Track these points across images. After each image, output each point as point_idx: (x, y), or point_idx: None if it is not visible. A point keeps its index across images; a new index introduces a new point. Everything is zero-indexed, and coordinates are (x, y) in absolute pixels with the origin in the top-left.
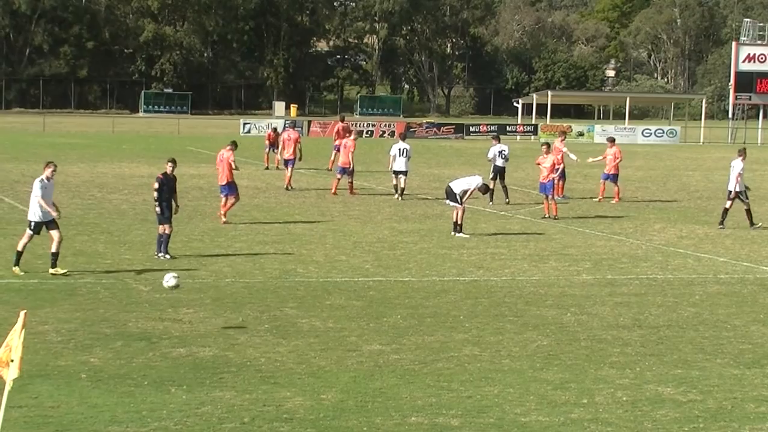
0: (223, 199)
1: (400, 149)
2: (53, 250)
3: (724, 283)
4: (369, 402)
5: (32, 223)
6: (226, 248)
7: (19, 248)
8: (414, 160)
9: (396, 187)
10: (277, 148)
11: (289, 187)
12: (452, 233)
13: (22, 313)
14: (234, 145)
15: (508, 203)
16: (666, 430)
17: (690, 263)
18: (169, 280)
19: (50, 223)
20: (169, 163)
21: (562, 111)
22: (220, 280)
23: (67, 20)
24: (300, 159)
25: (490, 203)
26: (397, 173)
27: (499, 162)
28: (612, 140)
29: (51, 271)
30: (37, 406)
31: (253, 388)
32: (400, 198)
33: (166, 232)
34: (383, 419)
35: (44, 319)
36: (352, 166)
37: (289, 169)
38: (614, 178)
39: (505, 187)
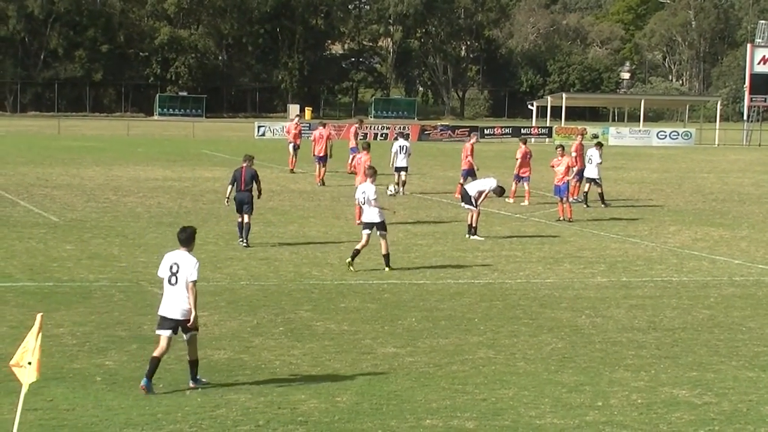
0: None
1: (400, 146)
2: (383, 252)
3: (739, 286)
4: (384, 405)
5: (378, 224)
6: (240, 251)
7: (387, 251)
8: (429, 163)
9: (397, 185)
10: (298, 148)
11: (320, 184)
12: (467, 236)
13: (38, 316)
14: (368, 147)
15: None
16: None
17: (705, 266)
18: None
19: (380, 226)
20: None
21: (576, 113)
22: (235, 283)
23: (81, 24)
24: (330, 156)
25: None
26: (398, 169)
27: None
28: (524, 141)
29: (386, 270)
30: (52, 409)
31: (268, 390)
32: (402, 193)
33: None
34: (398, 422)
35: (59, 322)
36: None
37: (318, 166)
38: (525, 178)
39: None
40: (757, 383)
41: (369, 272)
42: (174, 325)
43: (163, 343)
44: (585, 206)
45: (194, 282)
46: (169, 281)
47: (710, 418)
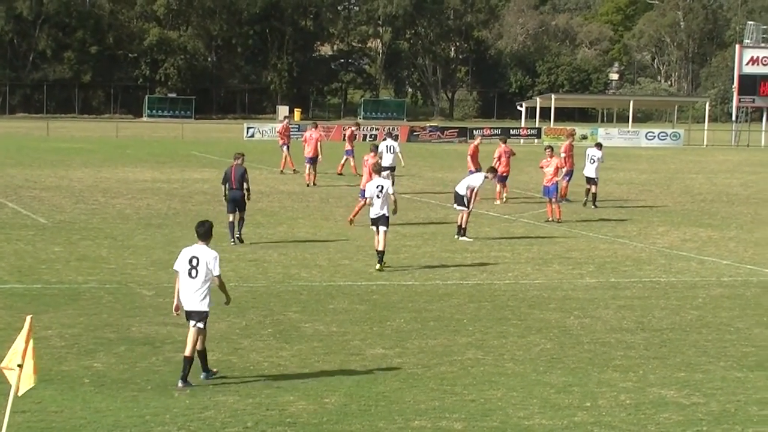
0: (362, 202)
1: (387, 146)
2: (380, 248)
3: (727, 286)
4: (372, 406)
5: (383, 218)
6: (229, 252)
7: (384, 248)
8: (417, 164)
9: None
10: (289, 147)
11: (311, 184)
12: (456, 236)
13: (27, 318)
14: (376, 149)
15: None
16: None
17: (693, 266)
18: None
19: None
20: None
21: (565, 114)
22: None
23: (70, 25)
24: (319, 158)
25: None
26: (384, 169)
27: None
28: (504, 140)
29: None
30: (40, 411)
31: (257, 392)
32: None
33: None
34: (386, 423)
35: (48, 324)
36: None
37: (309, 167)
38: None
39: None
40: (745, 383)
41: (357, 274)
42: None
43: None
44: (584, 206)
45: (218, 276)
46: (189, 274)
47: (698, 418)
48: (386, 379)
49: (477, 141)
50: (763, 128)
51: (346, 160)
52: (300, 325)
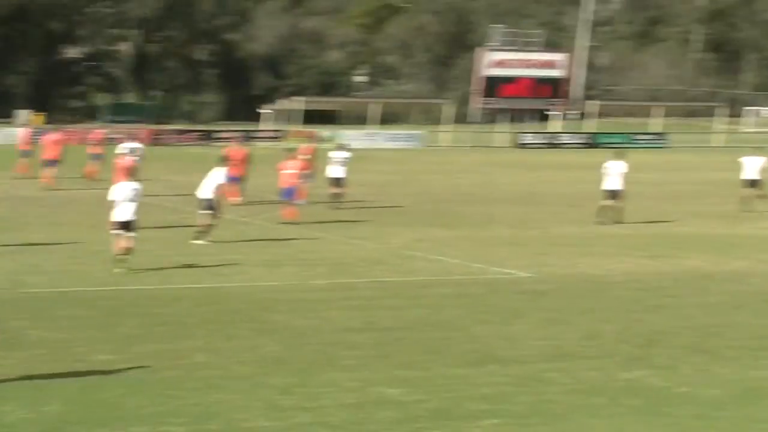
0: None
1: (129, 149)
2: (128, 245)
3: (455, 285)
4: (92, 413)
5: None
6: None
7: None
8: (156, 167)
9: None
10: (29, 154)
11: (49, 188)
12: (194, 240)
13: None
14: (129, 151)
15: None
16: (388, 430)
17: (424, 266)
18: None
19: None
20: None
21: (310, 117)
22: None
23: None
24: (61, 161)
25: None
26: None
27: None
28: (241, 143)
29: None
30: None
31: None
32: None
33: None
34: (106, 430)
35: None
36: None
37: (48, 169)
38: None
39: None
40: (466, 380)
41: (88, 279)
42: None
43: None
44: (334, 208)
45: None
46: None
47: (417, 415)
48: (110, 386)
49: (235, 145)
50: (501, 129)
51: (93, 163)
52: (25, 333)
